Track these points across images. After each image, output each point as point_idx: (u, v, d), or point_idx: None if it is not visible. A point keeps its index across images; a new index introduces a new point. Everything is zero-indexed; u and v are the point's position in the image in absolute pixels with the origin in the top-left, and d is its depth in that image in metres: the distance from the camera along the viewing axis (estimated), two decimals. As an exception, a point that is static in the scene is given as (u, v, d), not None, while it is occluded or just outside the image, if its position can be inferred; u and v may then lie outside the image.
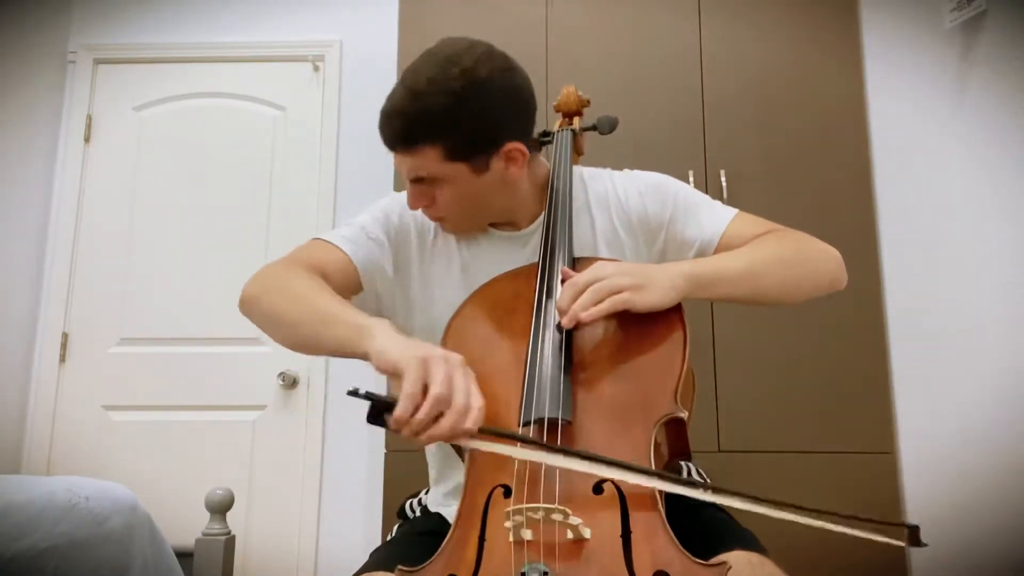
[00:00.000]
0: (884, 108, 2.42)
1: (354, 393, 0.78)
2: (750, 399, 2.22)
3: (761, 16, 2.46)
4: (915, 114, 2.37)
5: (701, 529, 0.93)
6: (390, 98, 1.04)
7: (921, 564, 2.14)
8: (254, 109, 2.94)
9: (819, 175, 2.35)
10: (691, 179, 2.33)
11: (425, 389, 0.79)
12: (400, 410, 0.78)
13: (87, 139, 2.93)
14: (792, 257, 1.06)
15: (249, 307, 1.05)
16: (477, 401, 0.80)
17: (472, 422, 0.79)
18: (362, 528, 2.59)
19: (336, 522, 2.62)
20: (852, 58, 2.42)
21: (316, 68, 2.94)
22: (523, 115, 1.09)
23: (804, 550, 2.01)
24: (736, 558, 0.81)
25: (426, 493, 1.23)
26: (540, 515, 0.77)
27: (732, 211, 1.14)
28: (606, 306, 0.92)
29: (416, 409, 0.78)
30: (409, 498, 1.24)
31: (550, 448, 0.82)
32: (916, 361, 2.25)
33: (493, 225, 1.17)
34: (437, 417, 0.79)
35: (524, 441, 0.83)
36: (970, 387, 2.14)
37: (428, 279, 1.16)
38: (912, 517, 2.17)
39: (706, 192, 2.31)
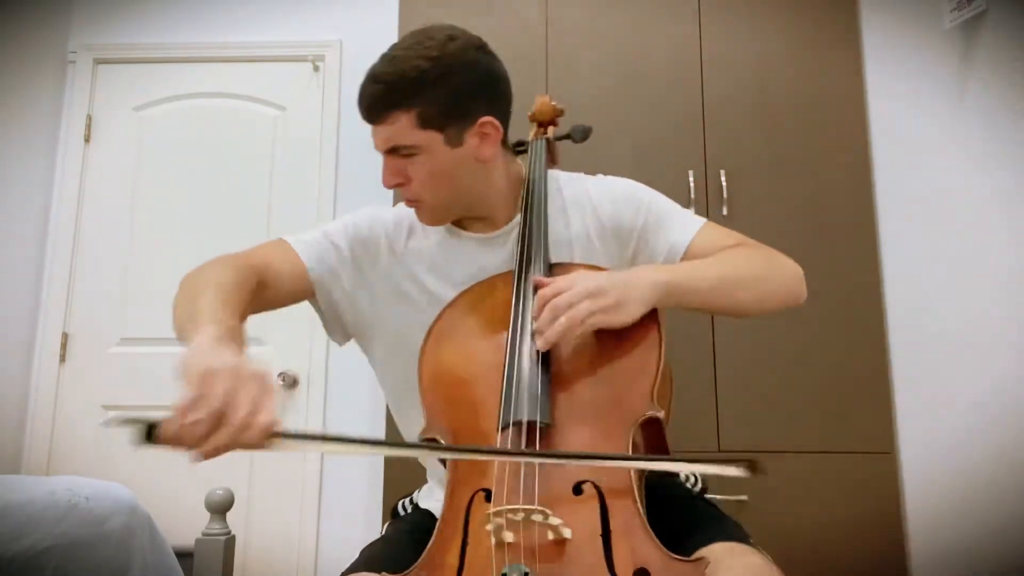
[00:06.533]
0: (884, 108, 2.41)
1: (108, 424, 0.73)
2: (750, 399, 2.22)
3: (761, 16, 2.46)
4: (915, 114, 2.36)
5: (686, 523, 0.94)
6: (369, 69, 1.06)
7: (921, 563, 2.14)
8: (254, 109, 2.94)
9: (819, 175, 2.35)
10: (691, 179, 2.32)
11: (200, 403, 0.74)
12: (164, 425, 0.73)
13: (87, 139, 2.92)
14: (761, 271, 1.09)
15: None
16: (264, 417, 0.74)
17: (253, 438, 0.73)
18: (362, 529, 2.59)
19: (336, 522, 2.62)
20: (852, 58, 2.41)
21: (316, 68, 2.94)
22: (497, 93, 1.11)
23: (804, 550, 2.02)
24: (716, 551, 0.83)
25: (418, 492, 1.25)
26: (520, 516, 0.79)
27: (701, 221, 1.17)
28: (581, 331, 0.94)
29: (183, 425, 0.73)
30: (402, 498, 1.26)
31: (370, 443, 0.85)
32: (916, 361, 2.25)
33: (468, 221, 1.18)
34: (212, 431, 0.73)
35: (333, 440, 0.85)
36: (970, 387, 2.14)
37: (397, 282, 1.16)
38: (912, 517, 2.17)
39: (706, 192, 2.34)
